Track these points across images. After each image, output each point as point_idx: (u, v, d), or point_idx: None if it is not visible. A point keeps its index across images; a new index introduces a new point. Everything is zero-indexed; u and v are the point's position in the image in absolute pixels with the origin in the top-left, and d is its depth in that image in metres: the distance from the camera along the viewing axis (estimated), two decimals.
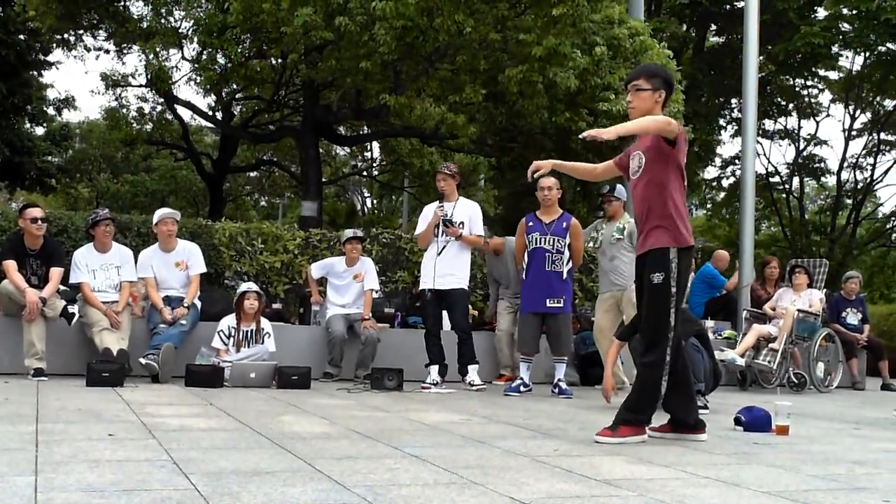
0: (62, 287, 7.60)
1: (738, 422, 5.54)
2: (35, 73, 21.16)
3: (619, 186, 8.48)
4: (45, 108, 22.75)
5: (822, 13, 21.27)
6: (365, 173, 29.81)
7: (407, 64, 12.08)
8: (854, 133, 26.10)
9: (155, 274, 8.05)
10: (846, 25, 20.62)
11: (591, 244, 8.62)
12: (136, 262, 8.03)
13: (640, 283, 4.89)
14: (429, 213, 8.11)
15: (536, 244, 7.86)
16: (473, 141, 13.51)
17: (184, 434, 4.34)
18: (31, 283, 7.34)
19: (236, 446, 4.01)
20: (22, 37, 18.52)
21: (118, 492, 2.91)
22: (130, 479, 3.12)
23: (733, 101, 23.67)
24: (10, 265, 7.35)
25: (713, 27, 23.91)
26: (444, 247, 7.92)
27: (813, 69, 22.92)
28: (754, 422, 5.46)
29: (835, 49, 21.36)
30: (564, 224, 7.92)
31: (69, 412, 5.07)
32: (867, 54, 22.45)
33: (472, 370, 7.95)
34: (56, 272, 7.47)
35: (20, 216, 7.56)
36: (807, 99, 26.01)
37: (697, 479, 3.60)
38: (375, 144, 26.05)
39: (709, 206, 32.05)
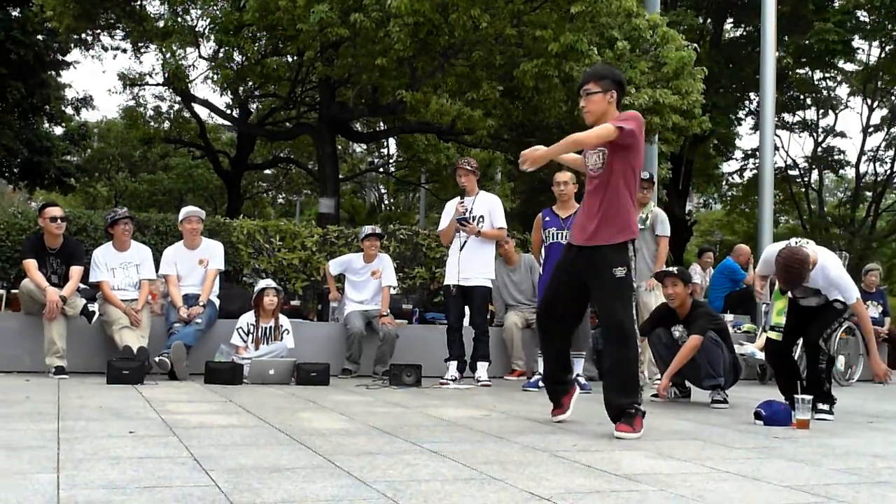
0: (82, 285, 7.64)
1: (758, 416, 5.51)
2: (53, 73, 21.29)
3: (652, 174, 8.46)
4: (63, 108, 22.85)
5: (838, 3, 21.12)
6: (381, 170, 29.83)
7: (423, 60, 12.06)
8: (871, 128, 25.92)
9: (178, 271, 8.08)
10: (864, 16, 20.48)
11: None
12: (156, 260, 8.06)
13: (593, 275, 4.88)
14: (450, 209, 8.09)
15: (553, 239, 7.83)
16: (490, 136, 13.48)
17: (204, 431, 4.36)
18: (51, 282, 7.38)
19: (256, 443, 4.02)
20: (40, 37, 18.63)
21: (139, 489, 2.93)
22: (151, 476, 3.14)
23: (751, 94, 23.55)
24: (31, 264, 7.39)
25: (730, 19, 23.79)
26: (465, 241, 7.92)
27: (830, 61, 22.79)
28: (774, 416, 5.43)
29: (854, 42, 21.23)
30: None
31: (90, 410, 5.10)
32: (883, 44, 22.28)
33: (482, 367, 7.98)
34: (76, 271, 7.51)
35: (40, 215, 7.60)
36: (825, 92, 25.85)
37: (718, 474, 3.58)
38: (392, 141, 26.07)
39: (727, 199, 31.92)
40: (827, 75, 24.89)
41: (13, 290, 8.16)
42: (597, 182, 4.95)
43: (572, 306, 5.15)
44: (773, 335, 6.08)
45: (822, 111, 26.53)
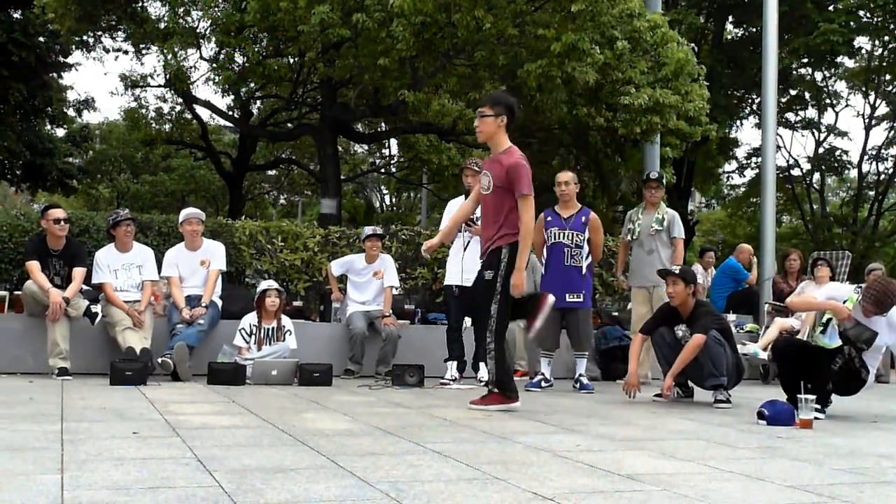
0: (85, 287, 7.64)
1: (761, 416, 5.51)
2: (55, 74, 21.27)
3: (662, 174, 8.45)
4: (65, 110, 22.84)
5: (841, 3, 21.10)
6: (383, 170, 29.83)
7: (425, 60, 12.07)
8: (874, 122, 25.91)
9: (180, 272, 8.09)
10: (866, 15, 20.49)
11: (627, 236, 8.62)
12: (158, 262, 8.07)
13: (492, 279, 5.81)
14: (452, 208, 8.07)
15: (555, 239, 7.83)
16: None
17: (207, 432, 4.36)
18: (54, 284, 7.38)
19: (259, 443, 4.02)
20: (41, 39, 18.61)
21: (143, 489, 2.93)
22: (155, 477, 3.14)
23: (753, 94, 23.53)
24: (34, 266, 7.39)
25: (731, 19, 23.78)
26: (468, 241, 7.90)
27: (833, 60, 22.78)
28: (777, 416, 5.43)
29: (855, 41, 21.24)
30: (583, 218, 7.87)
31: (93, 411, 5.11)
32: (887, 42, 22.28)
33: (484, 367, 7.97)
34: (79, 272, 7.52)
35: (43, 217, 7.60)
36: (825, 90, 25.85)
37: (721, 474, 3.58)
38: (393, 141, 26.08)
39: (727, 200, 31.90)
40: (827, 73, 24.88)
41: (16, 292, 8.16)
42: (488, 200, 5.97)
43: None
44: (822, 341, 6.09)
45: (822, 109, 26.52)
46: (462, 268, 7.79)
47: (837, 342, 5.98)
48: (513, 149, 5.91)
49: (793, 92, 24.81)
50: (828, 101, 26.36)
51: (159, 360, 7.32)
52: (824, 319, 6.18)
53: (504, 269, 5.75)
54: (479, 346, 7.95)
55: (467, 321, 8.26)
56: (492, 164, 5.95)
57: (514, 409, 5.76)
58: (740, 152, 28.01)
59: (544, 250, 7.93)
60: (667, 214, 8.45)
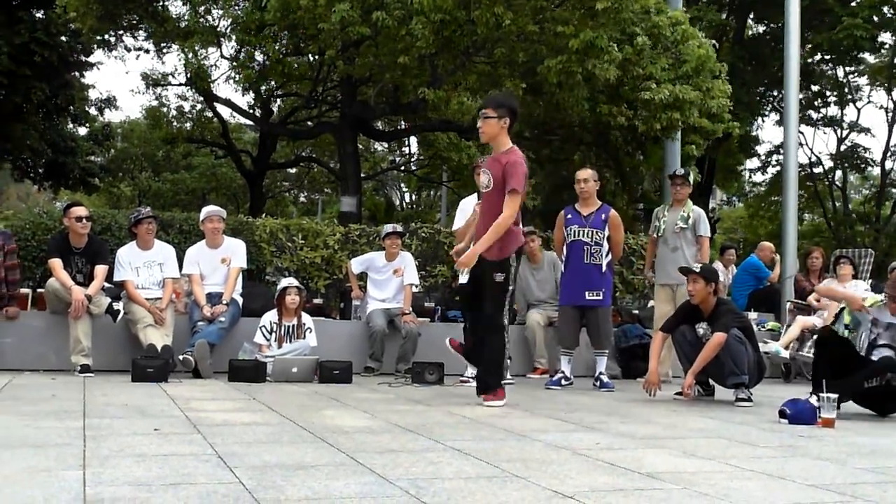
0: (106, 284, 7.69)
1: (782, 414, 5.48)
2: (77, 73, 21.41)
3: (689, 171, 8.41)
4: (87, 109, 22.99)
5: None
6: (403, 168, 29.86)
7: (444, 58, 12.06)
8: None
9: (201, 270, 8.12)
10: (890, 10, 20.31)
11: (654, 233, 8.58)
12: (179, 259, 8.11)
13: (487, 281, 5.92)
14: (466, 207, 8.05)
15: (575, 237, 7.80)
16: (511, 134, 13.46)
17: (227, 428, 4.38)
18: (76, 281, 7.43)
19: (279, 440, 4.04)
20: (63, 38, 18.73)
21: (164, 486, 2.95)
22: (176, 473, 3.16)
23: (775, 90, 23.38)
24: (56, 263, 7.45)
25: (752, 15, 23.64)
26: None
27: (857, 56, 22.60)
28: (799, 414, 5.39)
29: (880, 37, 21.06)
30: (603, 216, 7.83)
31: (115, 407, 5.14)
32: None
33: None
34: (101, 270, 7.57)
35: (65, 215, 7.66)
36: (847, 87, 25.65)
37: (742, 472, 3.56)
38: (413, 139, 26.09)
39: (749, 198, 31.72)
40: (849, 69, 24.68)
41: (39, 290, 8.23)
42: (488, 199, 6.06)
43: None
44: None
45: (844, 104, 26.32)
46: None
47: (843, 331, 5.95)
48: (514, 149, 6.03)
49: (815, 88, 24.63)
50: (850, 96, 26.16)
51: (180, 357, 7.37)
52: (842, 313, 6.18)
53: (513, 274, 6.00)
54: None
55: None
56: (492, 163, 6.06)
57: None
58: (761, 149, 27.85)
59: (564, 248, 7.90)
60: (692, 212, 8.38)
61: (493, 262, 5.90)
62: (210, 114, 19.56)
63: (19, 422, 4.39)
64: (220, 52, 15.86)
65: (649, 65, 11.90)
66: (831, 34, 19.81)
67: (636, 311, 10.60)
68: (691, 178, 8.64)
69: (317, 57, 14.84)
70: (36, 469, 3.20)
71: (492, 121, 5.98)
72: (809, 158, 26.82)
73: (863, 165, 27.45)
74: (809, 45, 20.75)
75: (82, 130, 24.37)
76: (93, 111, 23.40)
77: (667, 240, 8.41)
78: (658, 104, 11.91)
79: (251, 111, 19.87)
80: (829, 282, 10.02)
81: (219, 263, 8.16)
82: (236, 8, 14.60)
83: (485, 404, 5.85)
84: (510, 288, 6.02)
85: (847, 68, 24.60)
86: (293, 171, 31.34)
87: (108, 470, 3.19)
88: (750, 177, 30.42)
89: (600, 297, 7.71)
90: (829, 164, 27.41)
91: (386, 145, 28.81)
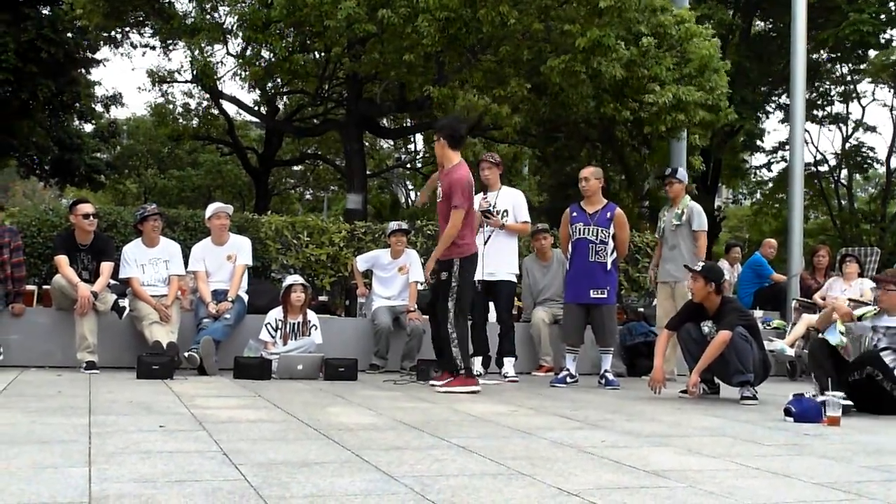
0: (112, 281, 7.71)
1: (788, 412, 5.47)
2: (83, 70, 21.41)
3: (680, 169, 8.39)
4: (93, 106, 22.99)
5: None
6: (409, 165, 29.85)
7: (450, 56, 12.06)
8: None
9: (206, 267, 8.13)
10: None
11: (657, 233, 8.62)
12: (185, 256, 8.12)
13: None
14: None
15: (580, 234, 7.79)
16: (517, 132, 13.46)
17: (233, 425, 4.39)
18: (82, 278, 7.45)
19: (284, 437, 4.04)
20: (70, 35, 18.73)
21: (169, 482, 2.95)
22: (182, 470, 3.17)
23: (780, 88, 23.33)
24: (62, 260, 7.47)
25: (759, 13, 23.59)
26: (489, 236, 7.90)
27: (863, 53, 22.53)
28: (805, 412, 5.38)
29: (885, 33, 21.00)
30: (608, 214, 7.82)
31: (120, 404, 5.15)
32: None
33: (509, 363, 8.02)
34: (106, 267, 7.58)
35: (71, 212, 7.67)
36: (852, 85, 25.59)
37: (747, 470, 3.56)
38: (419, 137, 26.07)
39: (756, 197, 31.66)
40: (854, 67, 24.60)
41: (45, 286, 8.24)
42: (442, 207, 6.77)
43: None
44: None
45: (848, 101, 26.25)
46: (483, 263, 7.78)
47: (837, 339, 5.97)
48: (458, 166, 6.71)
49: (819, 87, 24.58)
50: (854, 95, 26.09)
51: (186, 354, 7.38)
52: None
53: (458, 274, 6.64)
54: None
55: (491, 316, 8.27)
56: (442, 177, 6.79)
57: (476, 392, 6.52)
58: (766, 146, 27.78)
59: (569, 246, 7.90)
60: (686, 208, 8.38)
61: (440, 261, 6.74)
62: (216, 111, 19.56)
63: (25, 418, 4.40)
64: (227, 49, 15.87)
65: (654, 66, 11.89)
66: (837, 30, 19.75)
67: (641, 309, 10.58)
68: (684, 175, 8.63)
69: (323, 54, 14.85)
70: (41, 465, 3.21)
71: (436, 144, 6.86)
72: (814, 157, 26.76)
73: (865, 165, 27.36)
74: (814, 42, 20.68)
75: (88, 127, 24.38)
76: (99, 108, 23.43)
77: (666, 239, 8.45)
78: (662, 107, 11.91)
79: (257, 108, 19.89)
80: (835, 281, 10.01)
81: (224, 260, 8.17)
82: (243, 5, 14.58)
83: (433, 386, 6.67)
84: (454, 285, 6.63)
85: (850, 66, 24.51)
86: (299, 168, 31.33)
87: (114, 466, 3.20)
88: (755, 175, 30.35)
89: (605, 295, 7.71)
90: (833, 162, 27.34)
91: (392, 143, 28.78)
